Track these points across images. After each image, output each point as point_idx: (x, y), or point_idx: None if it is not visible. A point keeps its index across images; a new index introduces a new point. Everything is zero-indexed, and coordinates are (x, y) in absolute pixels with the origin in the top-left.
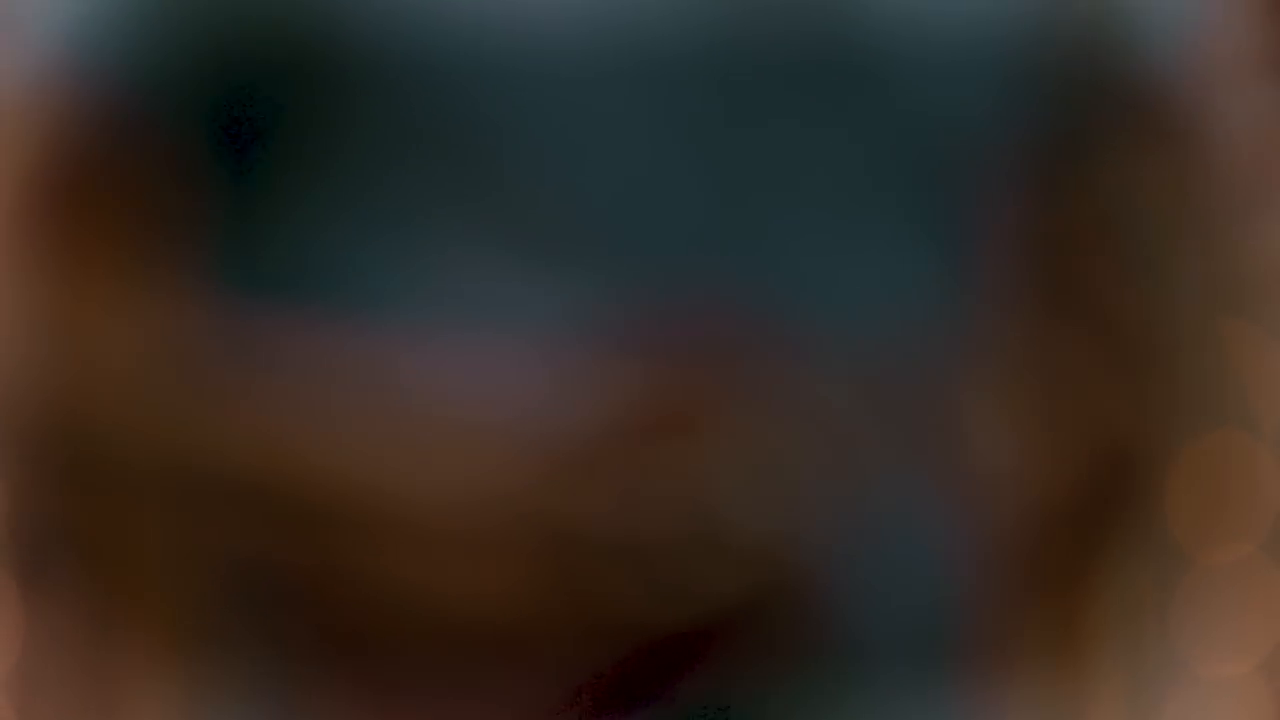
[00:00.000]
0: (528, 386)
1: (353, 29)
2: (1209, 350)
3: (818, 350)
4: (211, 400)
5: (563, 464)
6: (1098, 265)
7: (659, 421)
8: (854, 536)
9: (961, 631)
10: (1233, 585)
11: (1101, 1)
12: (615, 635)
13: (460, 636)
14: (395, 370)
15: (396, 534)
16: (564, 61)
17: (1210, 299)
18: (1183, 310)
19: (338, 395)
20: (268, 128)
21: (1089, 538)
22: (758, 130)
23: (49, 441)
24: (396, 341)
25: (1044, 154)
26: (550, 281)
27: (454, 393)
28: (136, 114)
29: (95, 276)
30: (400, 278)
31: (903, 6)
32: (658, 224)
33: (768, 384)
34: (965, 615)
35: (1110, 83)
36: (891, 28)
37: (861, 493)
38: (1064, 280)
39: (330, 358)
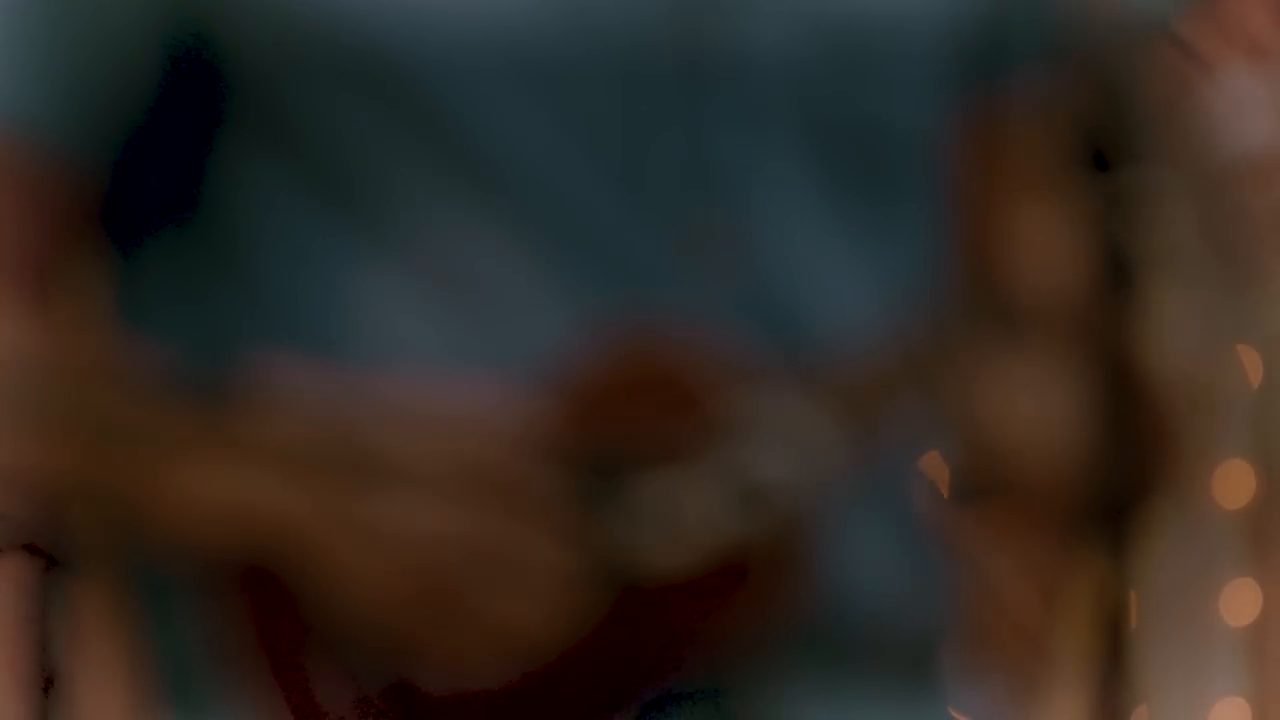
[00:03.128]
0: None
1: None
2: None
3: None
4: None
5: (573, 409)
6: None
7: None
8: (849, 508)
9: (953, 614)
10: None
11: None
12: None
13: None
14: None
15: (402, 480)
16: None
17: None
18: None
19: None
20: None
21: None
22: (722, 133)
23: None
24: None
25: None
26: (540, 291)
27: (446, 377)
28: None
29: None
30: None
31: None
32: (634, 233)
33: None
34: (955, 599)
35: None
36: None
37: (859, 465)
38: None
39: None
